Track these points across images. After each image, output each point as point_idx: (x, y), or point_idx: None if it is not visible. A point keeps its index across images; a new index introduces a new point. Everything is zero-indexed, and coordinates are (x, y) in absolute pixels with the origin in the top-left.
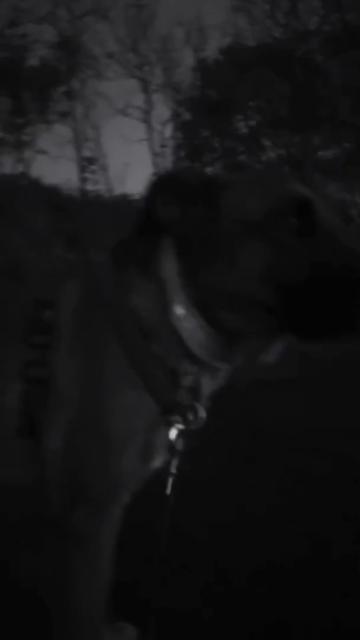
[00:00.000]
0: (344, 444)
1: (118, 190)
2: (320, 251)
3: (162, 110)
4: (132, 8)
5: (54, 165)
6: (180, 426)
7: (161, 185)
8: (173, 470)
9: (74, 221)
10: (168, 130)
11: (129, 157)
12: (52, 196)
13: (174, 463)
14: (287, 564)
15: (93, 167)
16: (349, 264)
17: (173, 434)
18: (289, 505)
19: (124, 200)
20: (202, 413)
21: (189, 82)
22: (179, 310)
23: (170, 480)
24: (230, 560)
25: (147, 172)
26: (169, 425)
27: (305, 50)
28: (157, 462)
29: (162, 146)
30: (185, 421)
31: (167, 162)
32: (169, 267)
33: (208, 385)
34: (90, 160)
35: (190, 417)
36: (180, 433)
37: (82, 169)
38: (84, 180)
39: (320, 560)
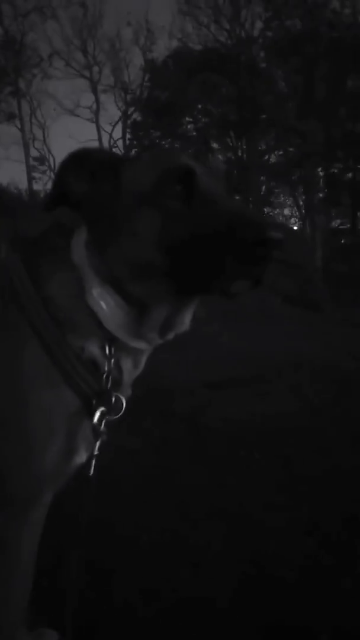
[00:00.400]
0: (290, 444)
1: None
2: (200, 214)
3: (112, 110)
4: (78, 7)
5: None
6: (103, 410)
7: (73, 161)
8: (96, 451)
9: (21, 221)
10: (117, 131)
11: None
12: None
13: (97, 444)
14: (227, 565)
15: (41, 167)
16: (224, 224)
17: (96, 416)
18: (232, 505)
19: None
20: (122, 400)
21: (138, 83)
22: (95, 291)
23: (92, 461)
24: (168, 562)
25: None
26: (92, 416)
27: (250, 56)
28: (81, 457)
29: (112, 146)
30: (107, 409)
31: None
32: (80, 250)
33: (129, 370)
34: (38, 160)
35: (112, 404)
36: (102, 415)
37: (30, 169)
38: (31, 180)
39: (258, 562)
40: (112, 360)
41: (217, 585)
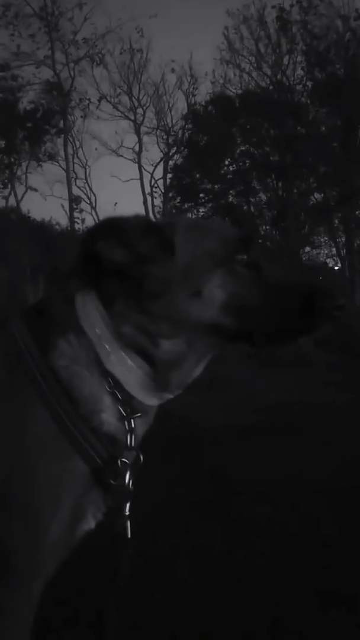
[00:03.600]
0: (307, 498)
1: None
2: (267, 280)
3: (153, 151)
4: (126, 54)
5: (44, 202)
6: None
7: (104, 231)
8: (127, 512)
9: (61, 259)
10: (159, 171)
11: (119, 196)
12: (40, 232)
13: (127, 505)
14: (241, 619)
15: (81, 206)
16: (296, 291)
17: (126, 475)
18: (243, 561)
19: None
20: (139, 459)
21: (180, 126)
22: (114, 356)
23: (128, 525)
24: (180, 618)
25: (136, 210)
26: (102, 486)
27: (291, 100)
28: (89, 524)
29: (153, 186)
30: (120, 476)
31: (157, 202)
32: (94, 317)
33: (142, 427)
34: (78, 200)
35: (126, 469)
36: (132, 474)
37: (72, 207)
38: (72, 217)
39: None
40: (128, 424)
41: None
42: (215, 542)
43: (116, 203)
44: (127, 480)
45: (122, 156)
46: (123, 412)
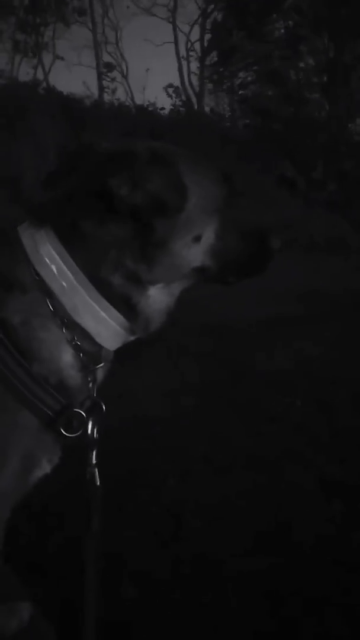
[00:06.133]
0: (326, 389)
1: (138, 99)
2: (244, 228)
3: (190, 9)
4: None
5: (71, 72)
6: (65, 433)
7: (119, 164)
8: (94, 461)
9: (90, 133)
10: (195, 32)
11: (152, 62)
12: (68, 106)
13: (93, 454)
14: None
15: (112, 75)
16: (255, 236)
17: (89, 425)
18: (265, 455)
19: (144, 110)
20: (101, 407)
21: None
22: (83, 307)
23: (96, 472)
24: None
25: (170, 78)
26: (55, 434)
27: None
28: (44, 470)
29: (189, 49)
30: (72, 427)
31: (194, 68)
32: (56, 262)
33: (102, 373)
34: (109, 66)
35: (88, 419)
36: (95, 423)
37: (101, 76)
38: (102, 88)
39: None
40: (91, 375)
41: (230, 542)
42: (230, 430)
43: (148, 69)
44: (89, 430)
45: (155, 15)
46: (86, 364)
